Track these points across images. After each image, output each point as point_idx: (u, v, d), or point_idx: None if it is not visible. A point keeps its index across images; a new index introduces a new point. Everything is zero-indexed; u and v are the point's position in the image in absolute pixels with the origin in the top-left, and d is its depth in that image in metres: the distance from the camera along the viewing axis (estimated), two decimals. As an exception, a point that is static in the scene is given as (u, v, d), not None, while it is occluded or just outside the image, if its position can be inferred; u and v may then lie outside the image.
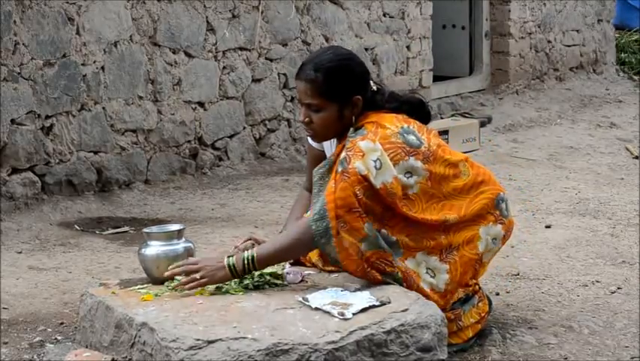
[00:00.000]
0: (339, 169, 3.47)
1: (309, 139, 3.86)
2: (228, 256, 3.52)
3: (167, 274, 3.53)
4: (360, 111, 3.63)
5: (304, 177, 6.65)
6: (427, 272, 3.55)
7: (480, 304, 3.73)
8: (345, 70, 3.62)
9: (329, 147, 3.81)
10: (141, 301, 3.47)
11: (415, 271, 3.54)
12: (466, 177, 3.64)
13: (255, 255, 3.49)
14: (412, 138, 3.58)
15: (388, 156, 3.49)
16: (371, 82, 3.71)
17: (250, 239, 3.77)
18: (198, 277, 3.48)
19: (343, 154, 3.51)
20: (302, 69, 3.63)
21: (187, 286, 3.48)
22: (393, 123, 3.59)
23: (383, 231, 3.49)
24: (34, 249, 5.13)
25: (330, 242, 3.45)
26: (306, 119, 3.63)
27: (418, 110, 3.72)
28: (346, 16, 7.76)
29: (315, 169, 3.69)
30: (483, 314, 3.73)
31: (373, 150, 3.48)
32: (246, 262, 3.48)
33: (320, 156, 3.85)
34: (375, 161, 3.46)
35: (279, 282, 3.61)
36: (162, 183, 6.43)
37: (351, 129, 3.61)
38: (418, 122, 3.67)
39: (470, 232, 3.61)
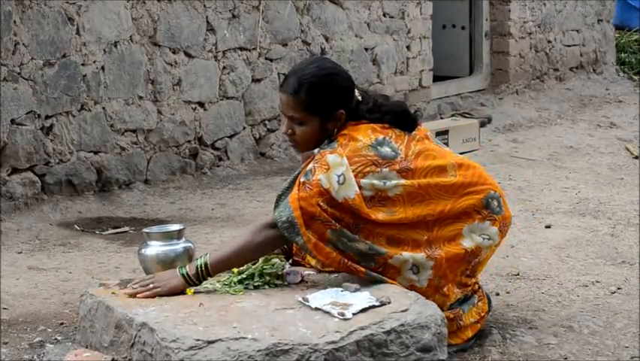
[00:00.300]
0: (302, 179, 3.51)
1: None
2: (181, 267, 3.56)
3: (129, 293, 3.53)
4: (342, 124, 3.64)
5: (304, 177, 6.70)
6: (410, 268, 3.55)
7: (480, 303, 3.73)
8: (329, 85, 3.62)
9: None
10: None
11: (397, 267, 3.54)
12: (454, 178, 3.63)
13: (208, 262, 3.52)
14: (386, 149, 3.58)
15: (356, 169, 3.51)
16: (356, 91, 3.71)
17: None
18: (151, 286, 3.52)
19: (311, 165, 3.54)
20: (286, 82, 3.64)
21: (141, 295, 3.49)
22: (367, 135, 3.59)
23: (356, 236, 3.51)
24: (34, 249, 5.13)
25: (306, 246, 3.49)
26: (289, 130, 3.65)
27: (402, 120, 3.70)
28: (346, 16, 7.76)
29: (289, 179, 3.69)
30: (483, 314, 3.72)
31: (339, 164, 3.50)
32: (199, 269, 3.52)
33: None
34: (339, 176, 3.49)
35: (279, 282, 3.61)
36: (162, 183, 6.44)
37: (326, 140, 3.63)
38: (397, 130, 3.66)
39: (453, 230, 3.61)
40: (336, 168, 3.49)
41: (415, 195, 3.57)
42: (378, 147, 3.57)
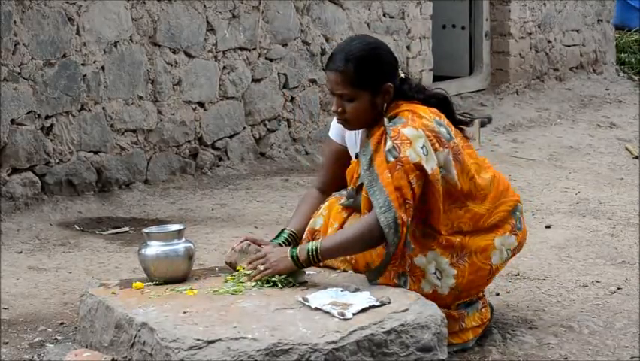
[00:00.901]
0: (391, 159, 3.47)
1: (334, 131, 3.83)
2: (292, 247, 3.55)
3: (248, 267, 3.57)
4: (391, 99, 3.62)
5: (304, 177, 6.71)
6: (434, 272, 3.55)
7: (483, 310, 3.73)
8: (376, 58, 3.59)
9: (353, 140, 3.79)
10: (133, 288, 3.56)
11: (422, 269, 3.54)
12: (487, 183, 3.65)
13: (320, 246, 3.50)
14: (444, 130, 3.58)
15: (430, 141, 3.51)
16: (399, 70, 3.69)
17: (247, 239, 3.75)
18: (262, 268, 3.53)
19: (390, 143, 3.49)
20: (332, 60, 3.60)
21: (255, 278, 3.53)
22: (427, 113, 3.59)
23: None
24: (34, 249, 5.13)
25: (397, 233, 3.43)
26: (339, 109, 3.60)
27: (444, 106, 3.71)
28: (346, 16, 7.76)
29: (362, 162, 3.58)
30: (485, 320, 3.73)
31: (418, 136, 3.49)
32: (310, 253, 3.50)
33: (341, 151, 3.82)
34: (422, 148, 3.48)
35: (274, 279, 3.58)
36: (162, 183, 6.43)
37: (386, 119, 3.58)
38: (445, 118, 3.67)
39: (486, 240, 3.62)
40: (417, 140, 3.48)
41: (449, 193, 3.57)
42: (439, 127, 3.57)
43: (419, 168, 3.45)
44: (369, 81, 3.56)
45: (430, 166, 3.47)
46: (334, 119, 3.83)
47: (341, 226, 3.67)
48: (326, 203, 3.79)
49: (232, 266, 3.71)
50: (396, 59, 3.69)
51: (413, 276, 3.54)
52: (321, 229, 3.74)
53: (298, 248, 3.53)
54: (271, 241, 3.78)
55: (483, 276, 3.63)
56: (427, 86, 3.81)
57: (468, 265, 3.58)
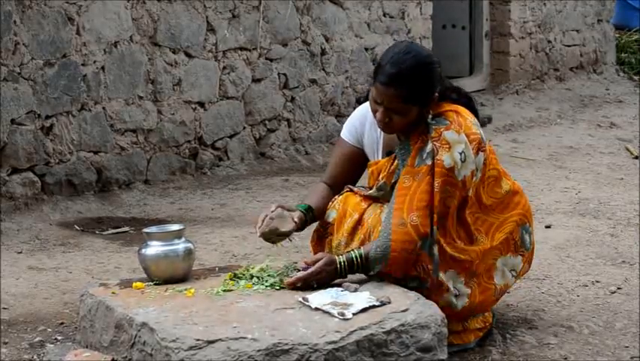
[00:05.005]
0: (428, 161, 3.48)
1: (348, 132, 3.83)
2: (339, 254, 3.55)
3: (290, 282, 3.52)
4: (435, 104, 3.61)
5: (304, 177, 6.71)
6: (454, 289, 3.56)
7: (486, 313, 3.74)
8: (429, 75, 3.55)
9: (375, 140, 3.78)
10: (134, 288, 3.56)
11: (446, 285, 3.54)
12: (505, 191, 3.68)
13: (363, 253, 3.51)
14: (482, 132, 3.59)
15: (474, 147, 3.52)
16: None
17: (279, 207, 3.72)
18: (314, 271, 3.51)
19: (430, 145, 3.50)
20: (384, 73, 3.52)
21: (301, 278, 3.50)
22: (468, 114, 3.59)
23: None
24: (34, 249, 5.13)
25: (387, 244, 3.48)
26: (386, 119, 3.56)
27: (472, 106, 3.70)
28: (346, 16, 7.76)
29: (401, 159, 3.59)
30: (487, 324, 3.73)
31: (458, 141, 3.50)
32: (356, 261, 3.51)
33: (353, 152, 3.81)
34: (460, 153, 3.48)
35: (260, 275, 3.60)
36: (162, 183, 6.43)
37: (429, 116, 3.56)
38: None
39: (490, 260, 3.62)
40: (457, 145, 3.49)
41: (472, 203, 3.59)
42: (478, 128, 3.58)
43: (450, 174, 3.46)
44: (422, 97, 3.54)
45: (463, 173, 3.49)
46: (349, 120, 3.85)
47: (361, 217, 3.66)
48: (340, 196, 3.78)
49: (270, 236, 3.66)
50: (441, 67, 3.65)
51: (432, 290, 3.52)
52: (334, 221, 3.74)
53: (343, 255, 3.53)
54: (297, 206, 3.79)
55: (491, 295, 3.65)
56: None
57: (477, 285, 3.60)
